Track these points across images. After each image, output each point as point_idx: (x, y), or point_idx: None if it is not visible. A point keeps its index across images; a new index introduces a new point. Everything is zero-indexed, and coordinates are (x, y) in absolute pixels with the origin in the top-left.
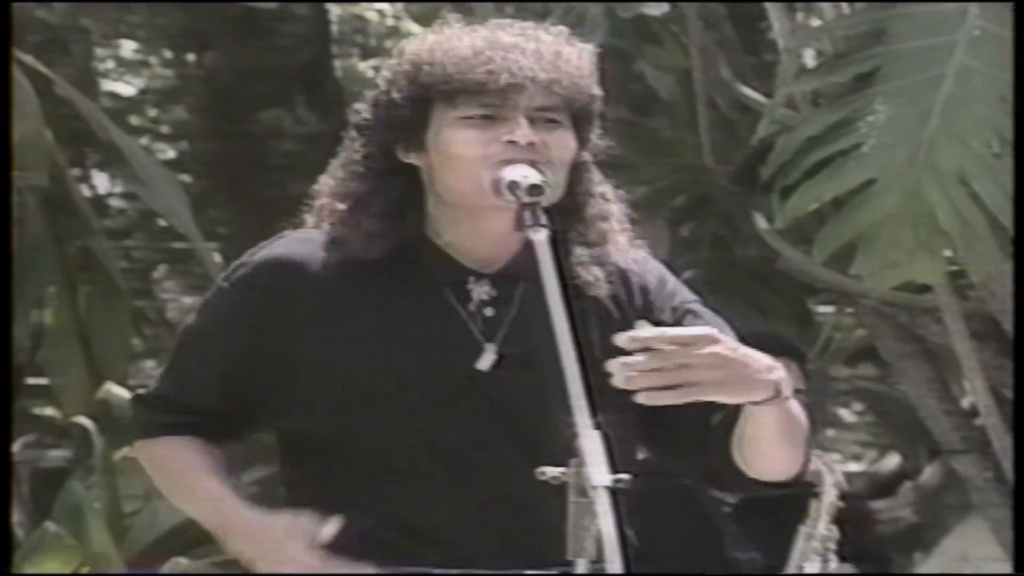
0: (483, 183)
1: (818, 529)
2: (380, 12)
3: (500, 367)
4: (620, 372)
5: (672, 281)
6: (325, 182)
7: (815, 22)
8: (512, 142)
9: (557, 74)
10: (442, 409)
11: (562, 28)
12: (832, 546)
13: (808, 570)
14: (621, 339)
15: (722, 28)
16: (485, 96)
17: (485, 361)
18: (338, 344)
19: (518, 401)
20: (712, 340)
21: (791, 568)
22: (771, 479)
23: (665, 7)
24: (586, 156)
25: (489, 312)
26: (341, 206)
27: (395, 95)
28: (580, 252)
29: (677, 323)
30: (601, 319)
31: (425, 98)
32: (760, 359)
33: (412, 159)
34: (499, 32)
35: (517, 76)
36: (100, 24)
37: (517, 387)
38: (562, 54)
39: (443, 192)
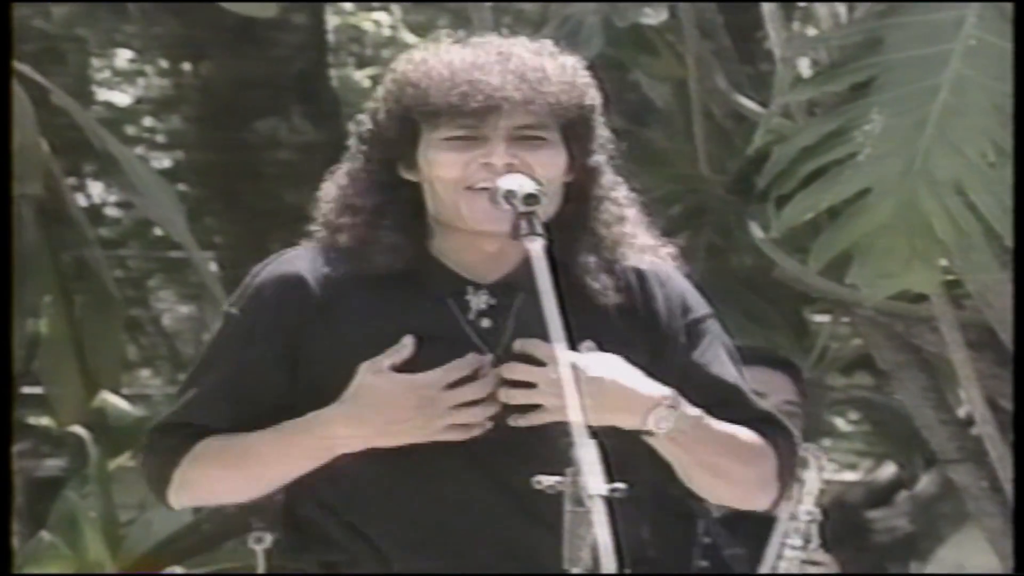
0: (460, 207)
1: (800, 510)
2: (376, 22)
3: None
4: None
5: (685, 293)
6: (328, 192)
7: (811, 32)
8: (488, 164)
9: (536, 91)
10: None
11: (546, 42)
12: (815, 528)
13: (789, 550)
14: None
15: (718, 38)
16: (462, 118)
17: None
18: (345, 355)
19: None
20: (554, 360)
21: (772, 549)
22: (725, 505)
23: (662, 16)
24: (595, 161)
25: (486, 323)
26: (354, 219)
27: (384, 114)
28: (588, 260)
29: (685, 337)
30: (607, 329)
31: (409, 118)
32: (632, 389)
33: (410, 176)
34: (479, 51)
35: (492, 97)
36: (96, 34)
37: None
38: (544, 69)
39: (432, 210)
